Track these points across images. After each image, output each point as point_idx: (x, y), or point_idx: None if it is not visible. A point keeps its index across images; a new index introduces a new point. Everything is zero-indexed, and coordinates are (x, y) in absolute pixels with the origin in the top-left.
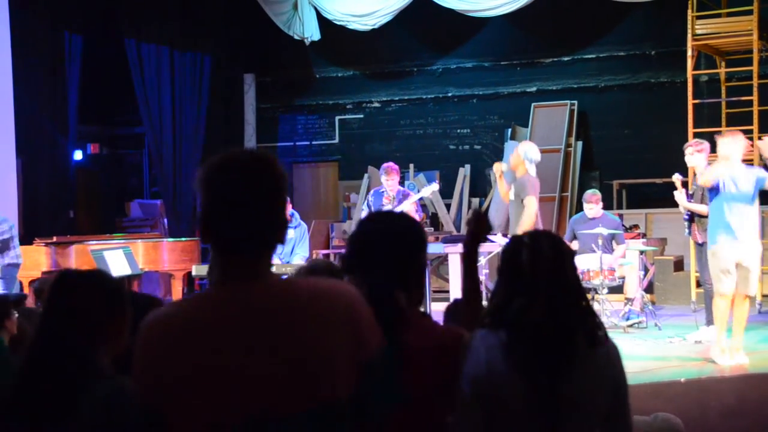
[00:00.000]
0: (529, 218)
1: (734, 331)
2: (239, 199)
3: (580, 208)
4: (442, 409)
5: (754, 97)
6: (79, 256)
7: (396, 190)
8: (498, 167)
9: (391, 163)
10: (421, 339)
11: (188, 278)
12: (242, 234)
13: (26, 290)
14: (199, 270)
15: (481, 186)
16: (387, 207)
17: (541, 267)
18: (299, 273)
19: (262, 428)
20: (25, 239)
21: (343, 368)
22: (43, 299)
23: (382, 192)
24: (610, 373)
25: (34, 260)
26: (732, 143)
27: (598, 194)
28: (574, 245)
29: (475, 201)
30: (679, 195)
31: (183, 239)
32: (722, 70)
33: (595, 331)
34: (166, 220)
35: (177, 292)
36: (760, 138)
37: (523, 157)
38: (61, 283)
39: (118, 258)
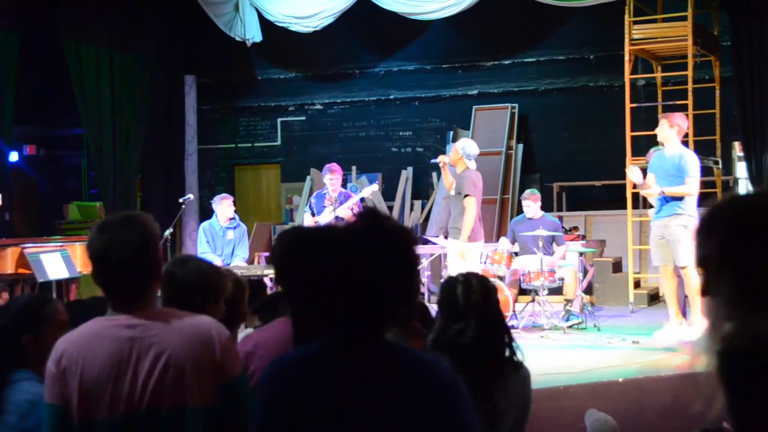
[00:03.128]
0: (469, 221)
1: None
2: (112, 256)
3: (521, 210)
4: None
5: (689, 101)
6: (15, 259)
7: (338, 192)
8: (442, 158)
9: (334, 164)
10: None
11: None
12: (118, 283)
13: None
14: None
15: (423, 188)
16: (329, 208)
17: (472, 300)
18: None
19: (134, 420)
20: None
21: (204, 384)
22: None
23: (324, 194)
24: (523, 393)
25: None
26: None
27: (537, 193)
28: (515, 247)
29: (417, 203)
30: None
31: None
32: (658, 75)
33: (514, 355)
34: None
35: None
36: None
37: (461, 153)
38: None
39: (56, 261)
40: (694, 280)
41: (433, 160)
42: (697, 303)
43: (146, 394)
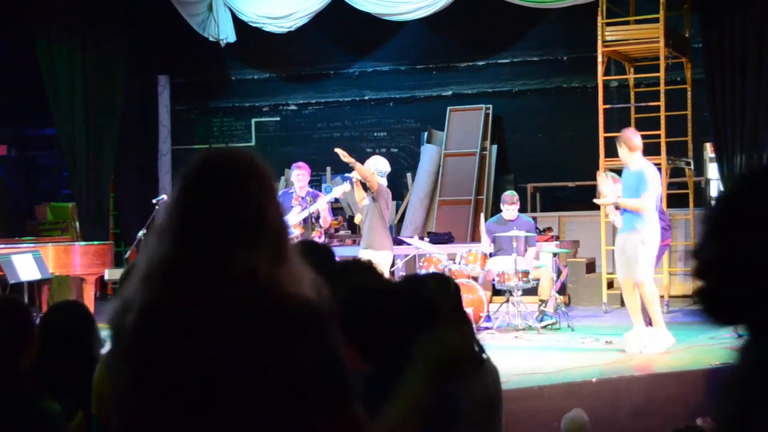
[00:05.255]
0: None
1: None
2: None
3: (495, 210)
4: None
5: (661, 103)
6: None
7: (306, 191)
8: (356, 174)
9: (301, 162)
10: None
11: (101, 282)
12: None
13: None
14: (113, 274)
15: (398, 189)
16: (296, 208)
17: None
18: None
19: None
20: None
21: None
22: None
23: (291, 192)
24: (487, 388)
25: None
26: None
27: (516, 196)
28: (494, 247)
29: (392, 204)
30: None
31: (95, 243)
32: (631, 76)
33: (482, 352)
34: (78, 224)
35: (89, 296)
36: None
37: (374, 170)
38: None
39: (27, 262)
40: (649, 293)
41: (347, 175)
42: (656, 312)
43: None
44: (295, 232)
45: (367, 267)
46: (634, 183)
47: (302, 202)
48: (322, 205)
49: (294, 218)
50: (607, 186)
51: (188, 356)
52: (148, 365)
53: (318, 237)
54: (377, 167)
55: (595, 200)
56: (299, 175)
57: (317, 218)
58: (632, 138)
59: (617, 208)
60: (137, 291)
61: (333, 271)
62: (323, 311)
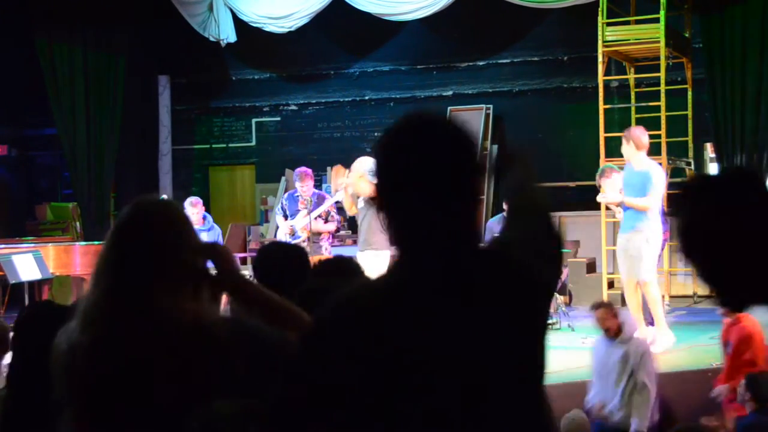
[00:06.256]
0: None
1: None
2: None
3: (495, 211)
4: None
5: (662, 103)
6: None
7: (311, 193)
8: (343, 181)
9: (304, 168)
10: None
11: None
12: None
13: None
14: None
15: None
16: (303, 210)
17: None
18: None
19: None
20: None
21: None
22: None
23: (297, 196)
24: None
25: None
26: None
27: None
28: None
29: None
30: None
31: (96, 243)
32: (631, 76)
33: None
34: (78, 224)
35: None
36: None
37: (362, 172)
38: None
39: (27, 262)
40: (653, 293)
41: (329, 190)
42: (659, 312)
43: None
44: (303, 236)
45: (352, 267)
46: (638, 182)
47: (309, 205)
48: (323, 211)
49: (300, 222)
50: (609, 184)
51: (132, 387)
52: (100, 400)
53: (327, 238)
54: (369, 167)
55: (599, 198)
56: (302, 187)
57: (326, 220)
58: (641, 136)
59: (618, 205)
60: (81, 333)
61: (303, 271)
62: (245, 327)
